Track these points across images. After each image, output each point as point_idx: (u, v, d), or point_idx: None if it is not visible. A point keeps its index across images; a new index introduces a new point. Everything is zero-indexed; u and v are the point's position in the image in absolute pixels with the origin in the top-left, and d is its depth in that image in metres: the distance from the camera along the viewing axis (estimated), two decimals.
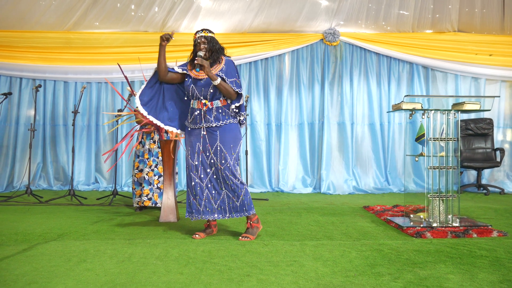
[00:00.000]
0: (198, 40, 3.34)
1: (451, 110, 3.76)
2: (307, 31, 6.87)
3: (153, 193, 4.58)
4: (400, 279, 2.27)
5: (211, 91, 3.31)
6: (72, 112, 5.57)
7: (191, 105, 3.37)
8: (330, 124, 6.74)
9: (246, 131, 6.09)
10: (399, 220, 3.82)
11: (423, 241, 3.20)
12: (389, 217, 4.00)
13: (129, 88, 4.44)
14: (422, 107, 3.75)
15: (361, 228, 3.71)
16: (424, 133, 3.70)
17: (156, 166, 4.61)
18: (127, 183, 6.68)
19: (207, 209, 3.33)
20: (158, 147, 4.63)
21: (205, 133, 3.33)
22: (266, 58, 6.86)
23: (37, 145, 6.74)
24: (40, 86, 5.62)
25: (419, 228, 3.50)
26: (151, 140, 4.66)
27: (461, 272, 2.41)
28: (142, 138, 4.70)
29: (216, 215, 3.34)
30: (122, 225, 3.79)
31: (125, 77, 4.39)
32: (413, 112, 3.78)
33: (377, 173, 6.80)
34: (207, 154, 3.33)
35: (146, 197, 4.57)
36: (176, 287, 2.14)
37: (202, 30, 3.38)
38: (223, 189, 3.36)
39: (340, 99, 6.81)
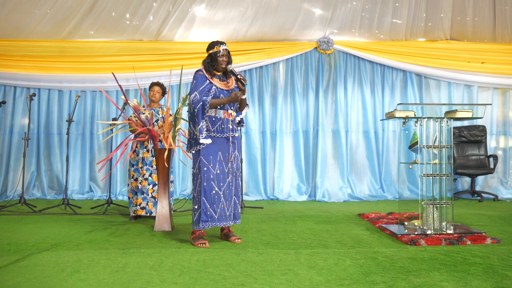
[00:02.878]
0: (223, 53, 3.41)
1: (444, 117, 3.79)
2: (302, 40, 6.91)
3: (147, 202, 4.55)
4: (394, 287, 2.28)
5: (239, 102, 3.49)
6: (67, 120, 5.56)
7: (215, 114, 3.39)
8: (324, 131, 6.76)
9: (241, 139, 6.10)
10: (393, 228, 3.83)
11: (418, 248, 3.21)
12: (383, 225, 4.01)
13: (123, 97, 4.43)
14: (415, 115, 3.78)
15: (355, 236, 3.71)
16: (417, 141, 3.72)
17: (150, 175, 4.59)
18: (122, 191, 6.65)
19: (222, 216, 3.39)
20: (152, 156, 4.61)
21: (230, 142, 3.43)
22: (261, 67, 6.89)
23: (31, 154, 6.71)
24: (34, 94, 5.62)
25: (414, 235, 3.51)
26: (145, 149, 4.64)
27: (455, 279, 2.42)
28: (136, 147, 4.68)
29: (228, 222, 3.44)
30: (116, 235, 3.77)
31: (120, 86, 4.40)
32: (406, 120, 3.81)
33: (371, 181, 6.82)
34: (226, 162, 3.42)
35: (139, 207, 4.55)
36: None
37: (219, 42, 3.42)
38: (234, 195, 3.48)
39: (335, 107, 6.84)
